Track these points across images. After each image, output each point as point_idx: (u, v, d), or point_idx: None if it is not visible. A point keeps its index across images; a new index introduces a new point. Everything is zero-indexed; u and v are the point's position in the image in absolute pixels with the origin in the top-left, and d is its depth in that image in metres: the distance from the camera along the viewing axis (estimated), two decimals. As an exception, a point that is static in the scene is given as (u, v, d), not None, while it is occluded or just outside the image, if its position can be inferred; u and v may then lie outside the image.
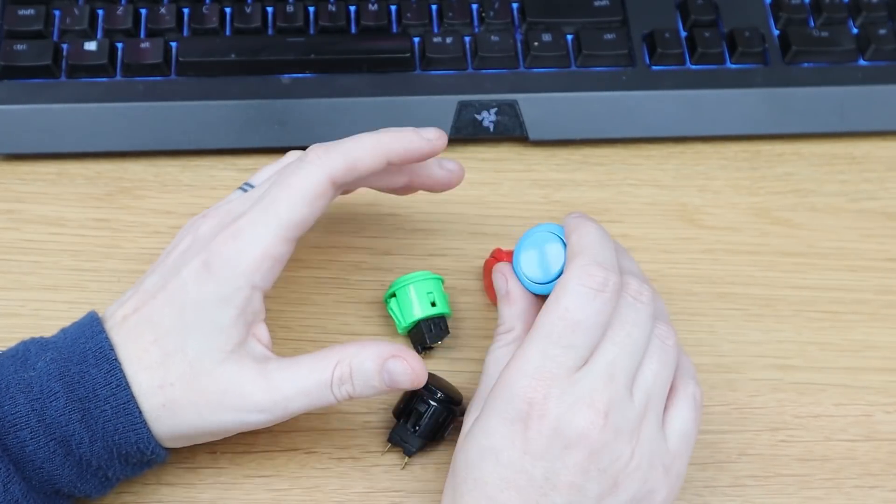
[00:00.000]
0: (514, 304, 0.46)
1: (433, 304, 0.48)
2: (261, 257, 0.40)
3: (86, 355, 0.40)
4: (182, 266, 0.41)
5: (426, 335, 0.48)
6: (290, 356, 0.42)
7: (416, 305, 0.48)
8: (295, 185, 0.41)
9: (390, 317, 0.50)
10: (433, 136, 0.44)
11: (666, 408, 0.42)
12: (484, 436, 0.40)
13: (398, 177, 0.46)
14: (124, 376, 0.40)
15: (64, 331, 0.42)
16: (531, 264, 0.45)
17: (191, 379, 0.40)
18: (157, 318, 0.41)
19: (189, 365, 0.40)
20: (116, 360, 0.40)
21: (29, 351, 0.41)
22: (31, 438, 0.39)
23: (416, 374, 0.42)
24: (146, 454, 0.41)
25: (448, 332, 0.49)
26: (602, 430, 0.39)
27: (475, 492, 0.40)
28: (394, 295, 0.49)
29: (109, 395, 0.40)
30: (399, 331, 0.49)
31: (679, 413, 0.42)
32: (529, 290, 0.45)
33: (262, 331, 0.42)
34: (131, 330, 0.41)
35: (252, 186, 0.45)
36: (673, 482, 0.41)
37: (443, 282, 0.49)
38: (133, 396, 0.40)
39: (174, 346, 0.40)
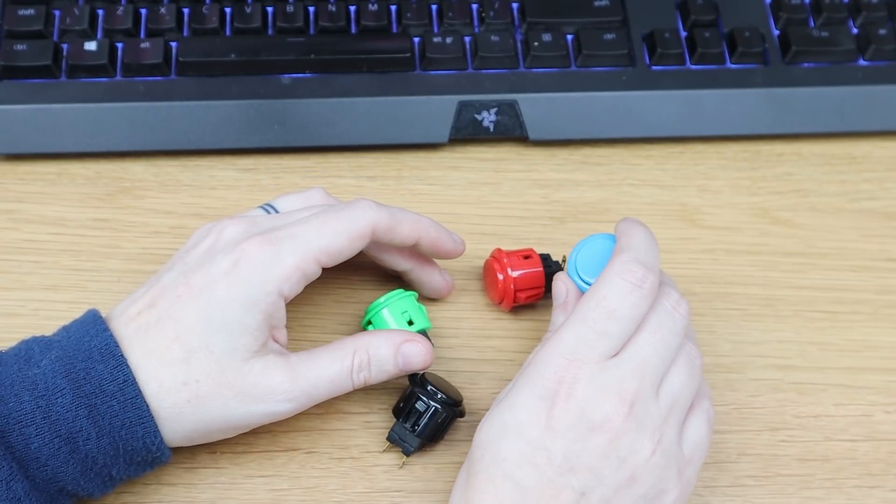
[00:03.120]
0: (569, 311, 0.46)
1: (410, 323, 0.47)
2: (293, 268, 0.42)
3: (91, 352, 0.40)
4: (209, 264, 0.42)
5: None
6: (304, 350, 0.44)
7: (393, 328, 0.47)
8: (343, 218, 0.43)
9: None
10: (459, 241, 0.49)
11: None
12: (510, 411, 0.41)
13: (407, 261, 0.49)
14: (131, 372, 0.40)
15: (66, 329, 0.42)
16: (587, 267, 0.46)
17: (218, 375, 0.41)
18: (179, 315, 0.41)
19: (215, 362, 0.41)
20: (122, 355, 0.40)
21: (32, 349, 0.41)
22: (37, 435, 0.39)
23: (428, 354, 0.45)
24: (151, 451, 0.41)
25: (431, 346, 0.48)
26: (626, 418, 0.40)
27: (491, 468, 0.40)
28: (370, 322, 0.48)
29: (117, 390, 0.40)
30: None
31: (695, 424, 0.43)
32: (583, 292, 0.46)
33: (281, 335, 0.44)
34: (150, 326, 0.41)
35: (273, 207, 0.47)
36: (684, 486, 0.42)
37: (416, 296, 0.48)
38: (140, 391, 0.40)
39: (198, 344, 0.41)
